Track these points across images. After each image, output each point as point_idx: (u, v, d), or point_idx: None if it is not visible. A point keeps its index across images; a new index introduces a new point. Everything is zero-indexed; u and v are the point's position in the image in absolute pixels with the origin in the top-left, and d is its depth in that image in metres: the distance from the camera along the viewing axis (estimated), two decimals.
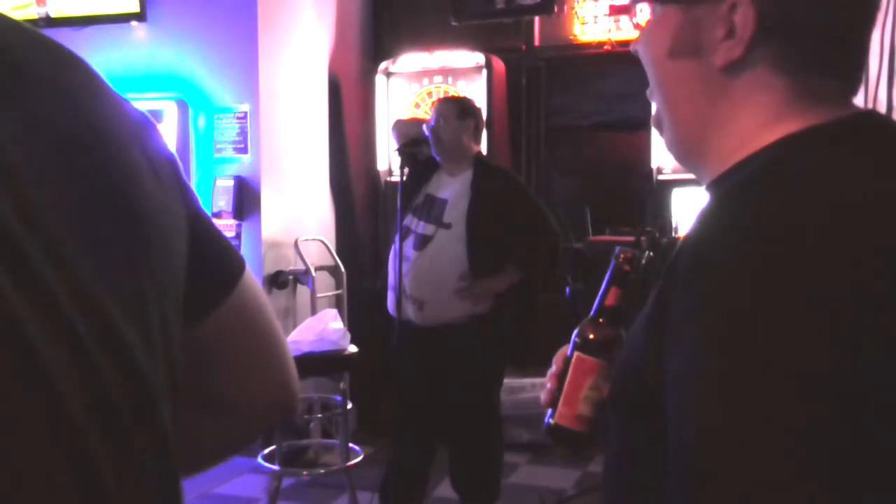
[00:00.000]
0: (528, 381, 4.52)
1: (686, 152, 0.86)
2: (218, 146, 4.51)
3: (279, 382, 0.82)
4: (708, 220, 0.74)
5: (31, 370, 0.50)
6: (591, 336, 0.97)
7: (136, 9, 4.45)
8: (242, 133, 4.46)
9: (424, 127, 3.38)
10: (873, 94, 2.51)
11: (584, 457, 4.28)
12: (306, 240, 4.62)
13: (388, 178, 5.10)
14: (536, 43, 5.23)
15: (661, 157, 4.61)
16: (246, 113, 4.44)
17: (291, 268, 4.56)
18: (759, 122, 0.78)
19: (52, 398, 0.51)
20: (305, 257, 4.50)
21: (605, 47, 4.93)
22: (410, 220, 3.34)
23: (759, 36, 0.76)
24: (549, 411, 0.99)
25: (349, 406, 3.89)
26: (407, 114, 5.01)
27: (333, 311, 3.83)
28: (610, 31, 4.95)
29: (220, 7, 4.45)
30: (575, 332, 0.99)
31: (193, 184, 4.49)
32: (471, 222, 3.22)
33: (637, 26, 0.88)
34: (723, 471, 0.62)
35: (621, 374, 0.85)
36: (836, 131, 0.75)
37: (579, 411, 0.96)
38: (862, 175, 0.71)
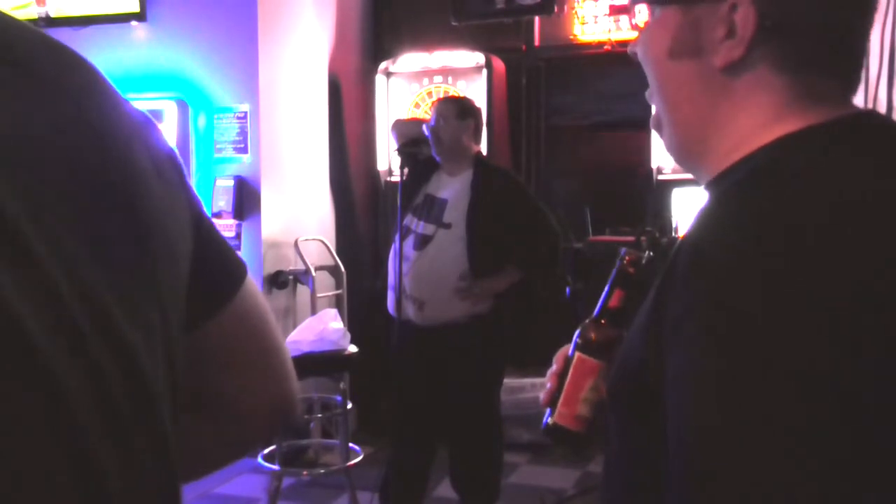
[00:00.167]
0: (528, 381, 4.52)
1: (686, 153, 0.86)
2: (218, 146, 4.51)
3: (279, 387, 0.82)
4: (706, 220, 0.74)
5: (31, 369, 0.50)
6: (593, 337, 0.97)
7: (136, 9, 4.45)
8: (242, 133, 4.46)
9: (424, 127, 3.38)
10: (873, 94, 2.51)
11: (584, 457, 4.28)
12: (306, 240, 4.62)
13: (388, 178, 5.10)
14: (536, 43, 5.23)
15: (661, 157, 4.61)
16: (246, 113, 4.44)
17: (291, 268, 4.56)
18: (759, 121, 0.78)
19: (52, 398, 0.51)
20: (305, 257, 4.50)
21: (605, 47, 4.93)
22: (410, 220, 3.34)
23: (760, 36, 0.76)
24: (548, 411, 0.99)
25: (349, 406, 3.89)
26: (407, 114, 5.01)
27: (333, 311, 3.83)
28: (610, 31, 4.95)
29: (220, 7, 4.45)
30: (577, 332, 0.99)
31: (193, 184, 4.48)
32: (471, 222, 3.22)
33: (636, 27, 0.88)
34: (722, 471, 0.62)
35: (620, 373, 0.85)
36: (835, 131, 0.75)
37: (578, 412, 0.96)
38: (861, 175, 0.71)
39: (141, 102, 4.28)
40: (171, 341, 0.63)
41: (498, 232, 3.23)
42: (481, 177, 3.31)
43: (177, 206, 0.67)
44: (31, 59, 0.59)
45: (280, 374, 0.82)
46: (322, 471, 4.15)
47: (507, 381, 3.71)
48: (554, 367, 1.01)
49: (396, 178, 4.11)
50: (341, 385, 3.82)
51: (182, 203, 0.69)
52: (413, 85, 5.13)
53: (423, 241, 3.27)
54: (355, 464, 3.77)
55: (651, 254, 3.75)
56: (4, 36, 0.59)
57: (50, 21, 4.50)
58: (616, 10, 4.92)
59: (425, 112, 4.83)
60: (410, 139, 3.41)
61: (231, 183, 4.43)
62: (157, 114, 4.39)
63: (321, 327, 3.68)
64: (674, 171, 4.50)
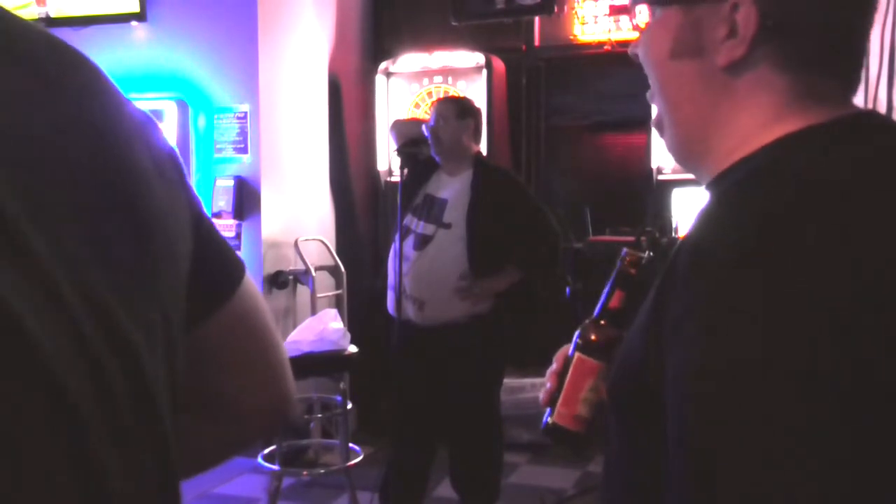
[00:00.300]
0: (528, 381, 4.52)
1: (687, 152, 0.86)
2: (218, 146, 4.51)
3: (277, 387, 0.82)
4: (707, 220, 0.74)
5: (32, 369, 0.50)
6: (593, 337, 0.97)
7: (136, 9, 4.45)
8: (242, 133, 4.46)
9: (424, 127, 3.38)
10: (873, 94, 2.51)
11: (584, 457, 4.28)
12: (306, 240, 4.62)
13: (388, 178, 5.10)
14: (536, 43, 5.23)
15: (661, 157, 4.61)
16: (246, 113, 4.44)
17: (291, 268, 4.56)
18: (760, 121, 0.78)
19: (52, 398, 0.51)
20: (305, 257, 4.50)
21: (605, 47, 4.93)
22: (410, 220, 3.34)
23: (761, 35, 0.76)
24: (548, 410, 0.99)
25: (349, 406, 3.89)
26: (407, 114, 5.01)
27: (333, 311, 3.83)
28: (610, 31, 4.95)
29: (220, 7, 4.45)
30: (577, 332, 0.99)
31: (193, 184, 4.48)
32: (471, 222, 3.22)
33: (637, 28, 0.88)
34: (722, 471, 0.62)
35: (621, 373, 0.85)
36: (835, 131, 0.75)
37: (578, 412, 0.96)
38: (862, 174, 0.71)
39: (141, 102, 4.27)
40: (171, 341, 0.63)
41: (498, 232, 3.23)
42: (481, 177, 3.31)
43: (177, 205, 0.67)
44: (34, 57, 0.59)
45: (278, 373, 0.82)
46: (322, 471, 4.15)
47: (507, 381, 3.71)
48: (554, 367, 1.01)
49: (396, 178, 4.11)
50: (341, 385, 3.82)
51: (182, 203, 0.69)
52: (413, 85, 5.13)
53: (423, 241, 3.27)
54: (355, 464, 3.77)
55: (651, 254, 3.75)
56: (7, 34, 0.59)
57: (50, 21, 4.50)
58: (616, 11, 4.91)
59: (425, 112, 4.83)
60: (410, 139, 3.41)
61: (231, 183, 4.43)
62: (157, 114, 4.39)
63: (321, 327, 3.68)
64: (674, 171, 4.50)
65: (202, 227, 0.72)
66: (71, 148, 0.58)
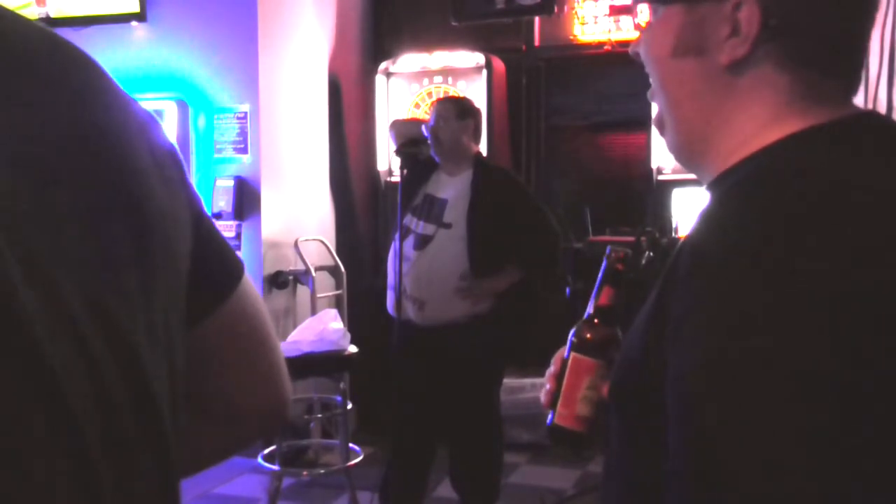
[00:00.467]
0: (528, 381, 4.52)
1: (688, 152, 0.86)
2: (218, 146, 4.51)
3: (275, 387, 0.82)
4: (708, 220, 0.74)
5: (34, 370, 0.50)
6: (587, 336, 0.97)
7: (136, 9, 4.45)
8: (242, 133, 4.46)
9: (423, 127, 3.38)
10: (873, 94, 2.51)
11: (584, 457, 4.28)
12: (306, 240, 4.62)
13: (388, 178, 5.10)
14: (536, 43, 5.23)
15: (661, 157, 4.61)
16: (246, 113, 4.44)
17: (291, 268, 4.56)
18: (761, 121, 0.78)
19: (53, 398, 0.51)
20: (305, 257, 4.49)
21: (605, 47, 4.93)
22: (410, 220, 3.34)
23: (764, 34, 0.76)
24: (550, 413, 0.99)
25: (349, 406, 3.88)
26: (407, 114, 5.01)
27: (333, 311, 3.83)
28: (610, 31, 4.94)
29: (220, 7, 4.45)
30: (571, 332, 0.99)
31: (193, 184, 4.48)
32: (471, 222, 3.22)
33: (638, 27, 0.88)
34: (723, 471, 0.62)
35: (621, 373, 0.85)
36: (836, 131, 0.75)
37: (578, 411, 0.96)
38: (862, 175, 0.71)
39: (141, 103, 4.26)
40: (171, 341, 0.63)
41: (498, 232, 3.23)
42: (481, 177, 3.31)
43: (177, 205, 0.67)
44: (36, 56, 0.59)
45: (275, 374, 0.82)
46: (322, 471, 4.15)
47: (507, 381, 3.71)
48: (552, 369, 1.01)
49: (396, 178, 4.10)
50: (341, 385, 3.82)
51: (182, 202, 0.69)
52: (413, 85, 5.13)
53: (423, 241, 3.27)
54: (355, 464, 3.77)
55: (651, 254, 3.75)
56: (8, 34, 0.59)
57: (50, 21, 4.49)
58: (616, 11, 4.91)
59: (425, 112, 4.83)
60: (409, 139, 3.41)
61: (231, 183, 4.43)
62: (157, 114, 4.38)
63: (321, 327, 3.68)
64: (674, 171, 4.49)
65: (202, 226, 0.72)
66: (72, 147, 0.58)
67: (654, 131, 0.92)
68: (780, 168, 0.74)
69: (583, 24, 5.01)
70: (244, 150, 4.47)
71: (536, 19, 5.14)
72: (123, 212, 0.60)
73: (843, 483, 0.60)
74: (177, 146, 0.72)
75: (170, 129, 4.41)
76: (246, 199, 4.44)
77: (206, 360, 0.74)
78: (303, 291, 4.59)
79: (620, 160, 5.18)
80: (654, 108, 0.88)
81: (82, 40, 4.53)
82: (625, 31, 4.90)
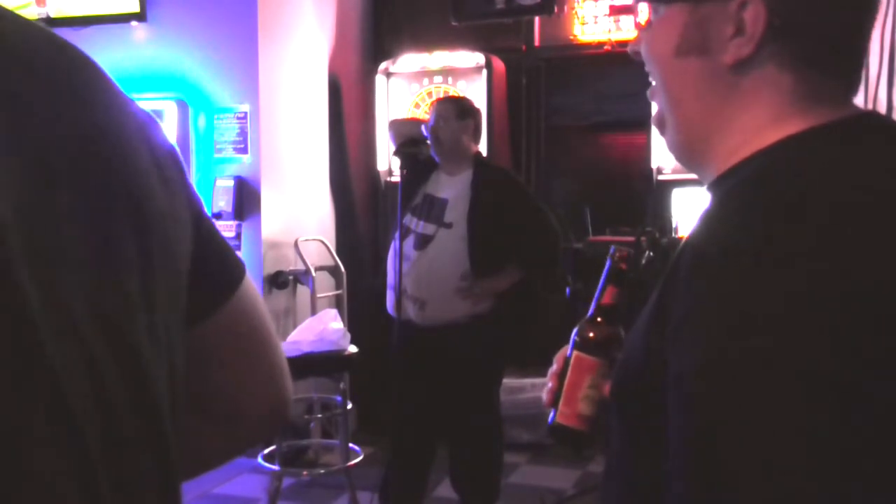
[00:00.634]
0: (528, 381, 4.52)
1: (689, 152, 0.86)
2: (218, 146, 4.51)
3: (274, 388, 0.82)
4: (709, 221, 0.74)
5: (36, 370, 0.50)
6: (590, 335, 0.97)
7: (136, 9, 4.45)
8: (242, 133, 4.46)
9: (423, 127, 3.38)
10: (873, 94, 2.51)
11: (585, 456, 4.28)
12: (306, 240, 4.62)
13: (388, 178, 5.10)
14: (536, 43, 5.23)
15: (661, 157, 4.61)
16: (246, 113, 4.44)
17: (291, 268, 4.56)
18: (762, 121, 0.78)
19: (54, 398, 0.51)
20: (305, 257, 4.49)
21: (605, 47, 4.93)
22: (409, 220, 3.34)
23: (768, 34, 0.76)
24: (552, 411, 0.99)
25: (349, 406, 3.88)
26: (407, 114, 5.01)
27: (333, 312, 3.83)
28: (610, 31, 4.94)
29: (220, 7, 4.45)
30: (574, 331, 0.99)
31: (193, 184, 4.48)
32: (472, 222, 3.22)
33: (639, 26, 0.88)
34: (723, 471, 0.62)
35: (623, 373, 0.85)
36: (837, 132, 0.75)
37: (580, 410, 0.96)
38: (863, 176, 0.71)
39: (141, 103, 4.24)
40: (171, 342, 0.63)
41: (498, 232, 3.23)
42: (481, 176, 3.31)
43: (177, 205, 0.67)
44: (36, 57, 0.59)
45: (276, 374, 0.82)
46: (322, 471, 4.15)
47: (507, 381, 3.71)
48: (554, 368, 1.01)
49: (396, 178, 4.10)
50: (341, 385, 3.82)
51: (183, 202, 0.69)
52: (413, 85, 5.13)
53: (423, 241, 3.27)
54: (355, 464, 3.77)
55: (651, 254, 3.75)
56: (8, 34, 0.59)
57: (50, 21, 4.49)
58: (616, 11, 4.91)
59: (425, 112, 4.83)
60: (409, 139, 3.41)
61: (231, 183, 4.43)
62: (157, 114, 4.37)
63: (321, 327, 3.68)
64: (674, 171, 4.49)
65: (202, 227, 0.72)
66: (72, 147, 0.58)
67: (654, 131, 0.91)
68: (780, 169, 0.74)
69: (583, 24, 5.01)
70: (244, 150, 4.47)
71: (536, 19, 5.13)
72: (124, 212, 0.60)
73: (842, 483, 0.60)
74: (177, 146, 0.72)
75: (170, 129, 4.41)
76: (246, 199, 4.44)
77: (206, 361, 0.74)
78: (303, 291, 4.59)
79: (620, 160, 5.18)
80: (654, 108, 0.88)
81: (82, 40, 4.53)
82: (625, 31, 4.90)
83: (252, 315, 0.79)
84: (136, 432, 0.58)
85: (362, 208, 5.33)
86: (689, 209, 4.36)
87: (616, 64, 4.77)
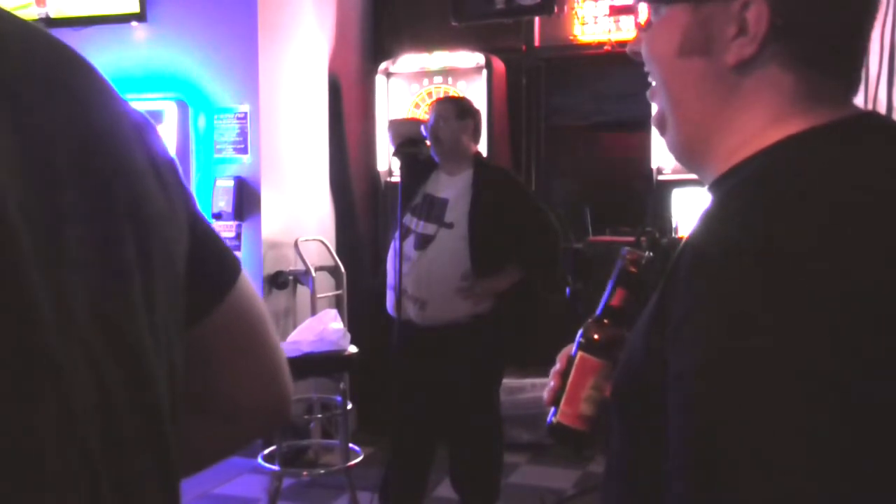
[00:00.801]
0: (528, 381, 4.52)
1: (689, 152, 0.86)
2: (218, 146, 4.51)
3: (272, 385, 0.82)
4: (709, 221, 0.74)
5: (42, 370, 0.50)
6: (595, 336, 0.97)
7: (136, 9, 4.45)
8: (242, 133, 4.46)
9: (423, 127, 3.38)
10: (873, 94, 2.51)
11: (585, 456, 4.28)
12: (306, 240, 4.62)
13: (388, 178, 5.10)
14: (536, 43, 5.23)
15: (661, 157, 4.61)
16: (246, 113, 4.44)
17: (291, 268, 4.56)
18: (763, 121, 0.78)
19: (55, 398, 0.51)
20: (305, 257, 4.49)
21: (605, 48, 4.93)
22: (409, 220, 3.34)
23: (771, 34, 0.76)
24: (552, 409, 0.99)
25: (349, 406, 3.88)
26: (407, 114, 5.01)
27: (333, 312, 3.83)
28: (610, 31, 4.95)
29: (220, 7, 4.45)
30: (580, 331, 0.99)
31: (193, 184, 4.49)
32: (473, 222, 3.22)
33: (640, 26, 0.88)
34: (722, 471, 0.62)
35: (623, 374, 0.85)
36: (837, 132, 0.75)
37: (581, 410, 0.96)
38: (862, 176, 0.71)
39: (141, 103, 4.28)
40: (171, 342, 0.63)
41: (499, 231, 3.24)
42: (481, 176, 3.31)
43: (174, 206, 0.67)
44: (34, 57, 0.59)
45: (275, 371, 0.82)
46: (322, 471, 4.15)
47: (507, 381, 3.70)
48: (557, 366, 1.01)
49: (396, 178, 4.10)
50: (341, 385, 3.82)
51: (179, 203, 0.69)
52: (413, 85, 5.13)
53: (423, 241, 3.27)
54: (355, 464, 3.77)
55: (651, 254, 3.75)
56: (5, 35, 0.59)
57: (50, 21, 4.49)
58: (616, 11, 4.91)
59: (425, 112, 4.83)
60: (407, 139, 3.41)
61: (231, 183, 4.43)
62: (158, 114, 4.39)
63: (321, 328, 3.68)
64: (674, 171, 4.49)
65: (198, 226, 0.72)
66: (72, 148, 0.58)
67: (655, 131, 0.91)
68: (780, 169, 0.74)
69: (583, 24, 5.01)
70: (244, 151, 4.47)
71: (536, 19, 5.13)
72: (124, 213, 0.60)
73: (842, 483, 0.60)
74: (177, 147, 0.72)
75: (170, 130, 4.41)
76: (246, 200, 4.45)
77: (205, 360, 0.75)
78: (303, 291, 4.59)
79: (620, 160, 5.18)
80: (654, 108, 0.88)
81: (82, 40, 4.54)
82: (625, 31, 4.90)
83: (249, 314, 0.79)
84: (136, 432, 0.58)
85: (362, 208, 5.34)
86: (689, 209, 4.36)
87: (616, 64, 4.77)
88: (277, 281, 4.49)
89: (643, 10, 0.88)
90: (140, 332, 0.59)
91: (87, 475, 0.53)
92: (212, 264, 0.75)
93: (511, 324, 3.41)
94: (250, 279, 0.80)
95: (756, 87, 0.78)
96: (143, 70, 4.53)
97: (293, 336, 3.71)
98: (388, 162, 5.11)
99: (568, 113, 5.31)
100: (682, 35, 0.81)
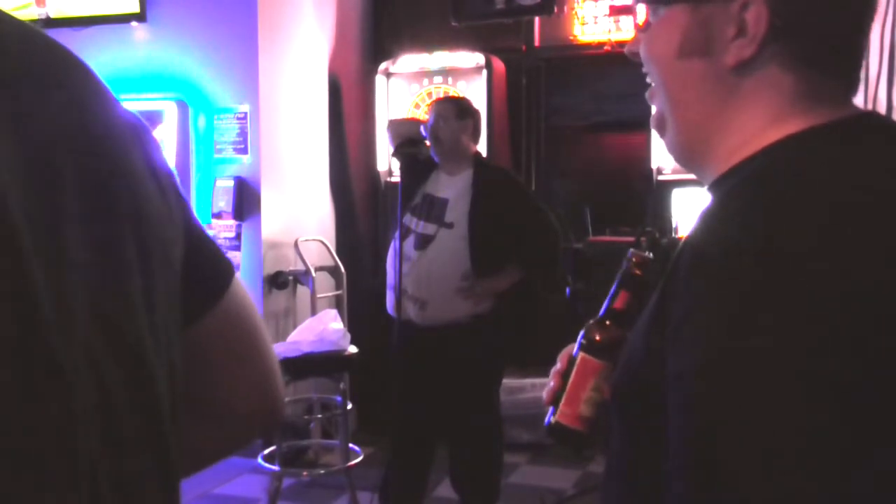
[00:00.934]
0: (528, 381, 4.52)
1: (689, 153, 0.86)
2: (218, 146, 4.51)
3: (266, 387, 0.82)
4: (709, 221, 0.74)
5: (44, 371, 0.50)
6: (597, 337, 0.97)
7: (136, 9, 4.45)
8: (242, 133, 4.46)
9: (423, 128, 3.38)
10: (873, 94, 2.51)
11: (585, 457, 4.28)
12: (306, 240, 4.62)
13: (388, 178, 5.10)
14: (536, 43, 5.23)
15: (661, 157, 4.61)
16: (246, 113, 4.44)
17: (291, 268, 4.56)
18: (763, 121, 0.78)
19: (56, 398, 0.51)
20: (305, 257, 4.49)
21: (605, 48, 4.93)
22: (409, 220, 3.34)
23: (770, 34, 0.76)
24: (551, 409, 0.99)
25: (349, 406, 3.88)
26: (407, 114, 5.01)
27: (333, 312, 3.83)
28: (610, 31, 4.95)
29: (220, 7, 4.45)
30: (581, 332, 0.99)
31: (193, 184, 4.49)
32: (473, 222, 3.22)
33: (639, 27, 0.88)
34: (722, 471, 0.62)
35: (623, 374, 0.85)
36: (837, 132, 0.75)
37: (580, 411, 0.96)
38: (862, 176, 0.71)
39: (141, 103, 4.28)
40: (170, 342, 0.63)
41: (499, 231, 3.24)
42: (481, 176, 3.31)
43: (170, 208, 0.68)
44: (32, 58, 0.59)
45: (268, 373, 0.82)
46: (322, 471, 4.15)
47: (507, 381, 3.70)
48: (558, 366, 1.01)
49: (396, 178, 4.10)
50: (341, 385, 3.82)
51: (174, 205, 0.69)
52: (413, 85, 5.13)
53: (424, 241, 3.27)
54: (355, 464, 3.77)
55: (651, 254, 3.75)
56: (4, 35, 0.59)
57: (49, 22, 4.49)
58: (616, 11, 4.91)
59: (425, 112, 4.83)
60: (407, 139, 3.41)
61: (231, 183, 4.43)
62: (158, 114, 4.39)
63: (321, 328, 3.68)
64: (674, 172, 4.49)
65: (193, 229, 0.72)
66: (72, 149, 0.58)
67: (654, 131, 0.91)
68: (780, 169, 0.74)
69: (583, 24, 5.01)
70: (244, 151, 4.47)
71: (536, 19, 5.14)
72: (124, 213, 0.60)
73: (842, 483, 0.60)
74: (177, 147, 0.72)
75: (170, 130, 4.41)
76: (246, 200, 4.45)
77: (198, 363, 0.75)
78: (303, 292, 4.59)
79: (620, 160, 5.18)
80: (654, 108, 0.88)
81: (82, 40, 4.53)
82: (625, 31, 4.90)
83: (242, 317, 0.79)
84: (136, 432, 0.58)
85: (362, 208, 5.34)
86: (689, 209, 4.36)
87: (616, 64, 4.76)
88: (277, 281, 4.49)
89: (641, 11, 0.87)
90: (140, 332, 0.59)
91: (87, 475, 0.53)
92: (207, 269, 0.75)
93: (511, 324, 3.41)
94: (250, 279, 0.80)
95: (756, 88, 0.78)
96: (143, 70, 4.52)
97: (293, 336, 3.71)
98: (388, 162, 5.11)
99: (568, 113, 5.31)
100: (682, 36, 0.80)
